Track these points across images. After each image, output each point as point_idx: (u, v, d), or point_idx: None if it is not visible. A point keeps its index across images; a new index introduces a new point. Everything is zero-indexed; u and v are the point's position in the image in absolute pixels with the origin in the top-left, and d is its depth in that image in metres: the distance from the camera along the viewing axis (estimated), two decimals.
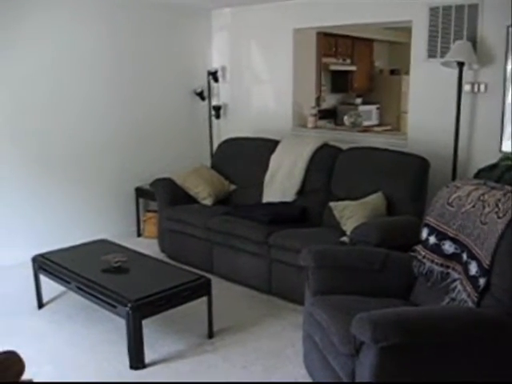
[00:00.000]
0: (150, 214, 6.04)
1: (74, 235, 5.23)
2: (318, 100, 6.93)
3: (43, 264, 4.15)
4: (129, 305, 3.31)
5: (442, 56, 4.71)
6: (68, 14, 5.36)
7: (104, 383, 3.25)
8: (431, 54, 4.86)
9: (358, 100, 8.00)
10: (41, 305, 4.31)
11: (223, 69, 6.64)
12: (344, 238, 4.08)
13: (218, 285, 4.03)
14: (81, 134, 5.61)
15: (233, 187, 5.52)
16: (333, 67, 7.71)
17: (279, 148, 5.27)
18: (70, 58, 5.43)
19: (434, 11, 4.79)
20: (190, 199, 5.34)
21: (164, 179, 5.43)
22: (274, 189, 5.11)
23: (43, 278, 4.22)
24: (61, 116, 5.44)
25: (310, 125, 6.08)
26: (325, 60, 7.31)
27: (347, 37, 7.66)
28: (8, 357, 1.36)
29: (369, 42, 8.24)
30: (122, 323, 3.47)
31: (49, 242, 4.99)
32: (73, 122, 5.54)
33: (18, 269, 4.89)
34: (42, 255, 4.22)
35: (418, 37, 4.96)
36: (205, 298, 3.72)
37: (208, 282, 3.71)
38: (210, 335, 3.79)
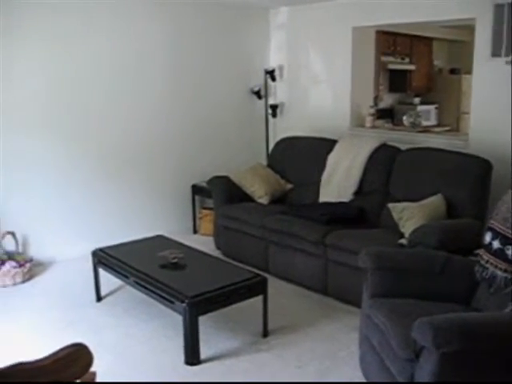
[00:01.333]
0: (205, 212, 6.08)
1: (131, 231, 5.35)
2: (376, 99, 6.84)
3: (102, 258, 4.24)
4: (186, 301, 3.34)
5: (506, 55, 4.58)
6: (132, 12, 5.47)
7: (161, 383, 3.30)
8: (495, 52, 4.72)
9: (417, 100, 7.86)
10: (99, 298, 4.40)
11: (280, 68, 6.64)
12: (402, 240, 4.01)
13: (272, 284, 4.03)
14: (139, 132, 5.71)
15: (289, 186, 5.51)
16: (391, 66, 7.60)
17: (337, 147, 5.23)
18: (131, 56, 5.54)
19: (499, 8, 4.64)
20: (246, 197, 5.36)
21: (221, 177, 5.47)
22: (330, 188, 5.07)
23: (102, 272, 4.32)
24: (120, 114, 5.55)
25: (367, 124, 6.01)
26: (383, 59, 7.22)
27: (406, 35, 7.54)
28: (77, 349, 1.39)
29: (428, 40, 8.09)
30: (178, 318, 3.51)
31: (108, 236, 5.15)
32: (132, 120, 5.64)
33: (79, 262, 5.05)
34: (101, 249, 4.31)
35: (481, 35, 4.82)
36: (260, 297, 3.72)
37: (264, 281, 3.71)
38: (265, 334, 3.79)
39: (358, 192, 4.92)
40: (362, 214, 4.74)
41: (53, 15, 4.95)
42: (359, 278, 3.51)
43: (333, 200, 4.96)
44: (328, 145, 5.33)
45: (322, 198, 5.12)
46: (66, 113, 5.18)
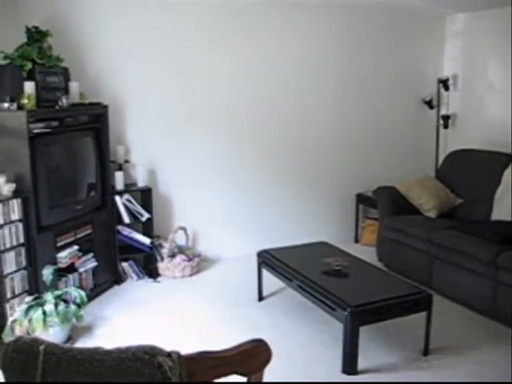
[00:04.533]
0: (369, 222, 6.02)
1: (293, 235, 5.51)
2: None
3: (267, 259, 4.36)
4: (348, 310, 3.33)
5: None
6: (305, 16, 5.59)
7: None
8: None
9: None
10: (261, 297, 4.53)
11: (454, 77, 6.37)
12: None
13: (435, 301, 3.86)
14: (308, 140, 5.83)
15: (459, 201, 5.27)
16: None
17: None
18: (302, 61, 5.66)
19: None
20: (413, 210, 5.21)
21: (387, 187, 5.38)
22: (505, 206, 4.77)
23: (264, 272, 4.44)
24: (290, 122, 5.70)
25: None
26: None
27: None
28: (259, 344, 1.45)
29: None
30: (336, 326, 3.52)
31: (270, 238, 5.33)
32: (301, 128, 5.77)
33: (242, 261, 5.26)
34: (266, 251, 4.44)
35: None
36: (423, 313, 3.60)
37: (429, 297, 3.59)
38: (426, 352, 3.65)
39: None
40: None
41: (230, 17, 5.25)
42: None
43: (507, 218, 4.67)
44: (504, 159, 5.03)
45: (495, 216, 4.83)
46: (237, 117, 5.44)
